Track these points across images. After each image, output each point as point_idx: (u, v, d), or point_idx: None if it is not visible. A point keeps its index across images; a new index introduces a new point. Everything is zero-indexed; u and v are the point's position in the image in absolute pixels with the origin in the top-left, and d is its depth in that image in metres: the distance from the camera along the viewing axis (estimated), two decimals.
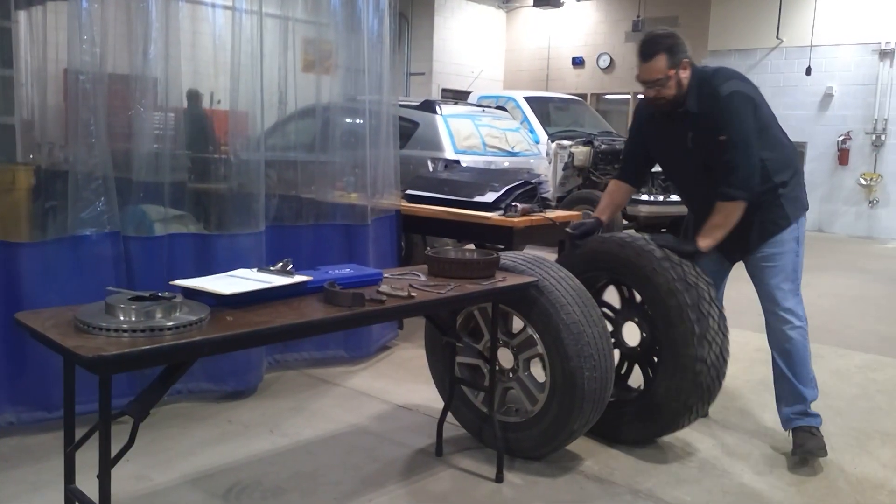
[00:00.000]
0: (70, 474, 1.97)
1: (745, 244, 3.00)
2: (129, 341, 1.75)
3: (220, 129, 3.67)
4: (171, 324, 1.83)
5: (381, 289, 2.36)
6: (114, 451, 1.78)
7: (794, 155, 3.10)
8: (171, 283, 2.19)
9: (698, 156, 2.94)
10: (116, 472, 1.80)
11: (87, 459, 1.85)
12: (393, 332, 4.43)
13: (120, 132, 3.24)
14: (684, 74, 2.89)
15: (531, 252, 3.09)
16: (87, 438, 1.91)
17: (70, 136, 3.06)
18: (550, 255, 3.41)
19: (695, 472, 2.87)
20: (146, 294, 1.94)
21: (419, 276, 2.63)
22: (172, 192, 3.28)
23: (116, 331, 1.78)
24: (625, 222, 8.26)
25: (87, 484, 1.87)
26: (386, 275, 2.62)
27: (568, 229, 3.18)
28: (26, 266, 2.85)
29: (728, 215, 2.86)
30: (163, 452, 2.86)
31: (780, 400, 3.05)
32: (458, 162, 5.97)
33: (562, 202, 8.11)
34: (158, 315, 1.86)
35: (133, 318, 1.83)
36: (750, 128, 2.86)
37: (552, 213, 4.35)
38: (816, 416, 3.00)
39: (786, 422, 3.04)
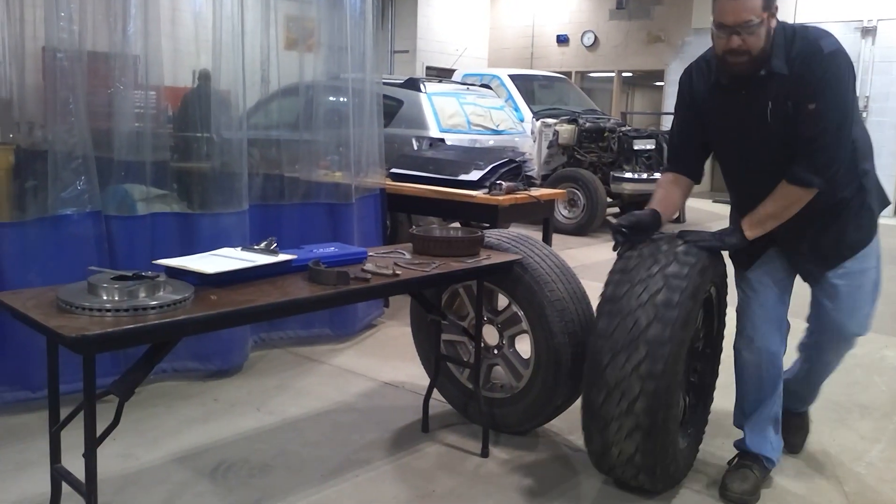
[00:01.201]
0: (56, 454, 1.97)
1: (825, 257, 2.46)
2: (113, 321, 1.74)
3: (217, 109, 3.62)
4: (154, 303, 1.83)
5: (365, 267, 2.36)
6: (99, 430, 1.78)
7: (871, 145, 2.52)
8: (154, 262, 2.19)
9: (776, 133, 2.31)
10: (102, 451, 1.81)
11: (73, 439, 1.85)
12: (378, 310, 4.44)
13: (100, 111, 3.20)
14: (773, 25, 2.27)
15: (516, 230, 3.10)
16: (73, 418, 1.91)
17: (49, 114, 3.02)
18: (535, 233, 3.42)
19: None
20: (129, 273, 1.93)
21: (404, 255, 2.64)
22: (155, 172, 3.26)
23: (100, 310, 1.77)
24: (608, 200, 8.29)
25: (73, 463, 1.88)
26: (371, 253, 2.62)
27: (616, 221, 2.54)
28: (6, 246, 2.82)
29: (790, 204, 2.32)
30: (149, 431, 2.86)
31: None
32: (442, 140, 5.95)
33: (546, 180, 8.12)
34: (142, 294, 1.86)
35: (116, 298, 1.82)
36: (850, 99, 2.30)
37: (537, 192, 4.37)
38: (774, 455, 2.61)
39: (741, 423, 2.67)
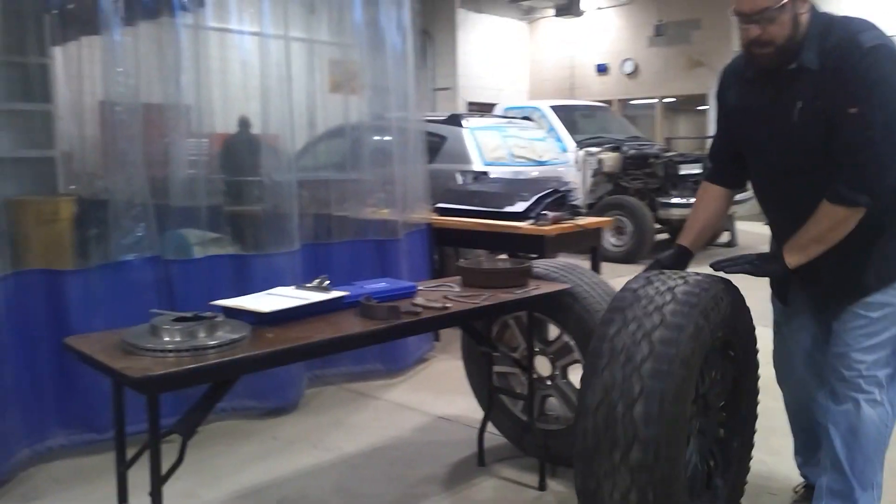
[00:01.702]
0: (123, 493, 2.02)
1: (852, 286, 2.10)
2: (175, 360, 1.80)
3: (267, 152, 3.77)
4: (214, 342, 1.88)
5: (416, 301, 2.39)
6: (164, 470, 1.82)
7: None
8: (211, 303, 2.24)
9: (805, 137, 2.03)
10: (167, 490, 1.85)
11: (138, 479, 1.90)
12: (429, 344, 4.45)
13: (156, 159, 3.33)
14: (803, 12, 2.01)
15: (564, 259, 3.10)
16: (139, 457, 1.95)
17: (108, 165, 3.16)
18: (583, 263, 3.41)
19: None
20: (189, 315, 1.99)
21: (453, 288, 2.66)
22: (209, 216, 3.36)
23: (162, 351, 1.83)
24: (656, 226, 8.20)
25: (139, 503, 1.92)
26: (420, 287, 2.65)
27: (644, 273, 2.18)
28: (72, 293, 2.94)
29: (835, 226, 2.00)
30: (211, 470, 2.91)
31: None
32: (486, 173, 5.99)
33: (592, 209, 8.08)
34: (201, 334, 1.91)
35: (178, 339, 1.88)
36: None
37: (583, 220, 4.36)
38: None
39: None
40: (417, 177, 4.29)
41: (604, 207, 8.11)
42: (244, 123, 3.83)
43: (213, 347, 1.87)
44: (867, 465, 2.10)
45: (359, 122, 4.12)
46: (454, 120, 6.50)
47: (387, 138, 4.18)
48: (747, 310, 2.25)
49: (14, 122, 3.60)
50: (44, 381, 2.91)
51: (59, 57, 3.80)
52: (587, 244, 4.57)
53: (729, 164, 2.36)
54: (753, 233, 10.13)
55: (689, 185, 8.14)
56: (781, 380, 2.48)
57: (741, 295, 2.18)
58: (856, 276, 2.09)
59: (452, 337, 4.41)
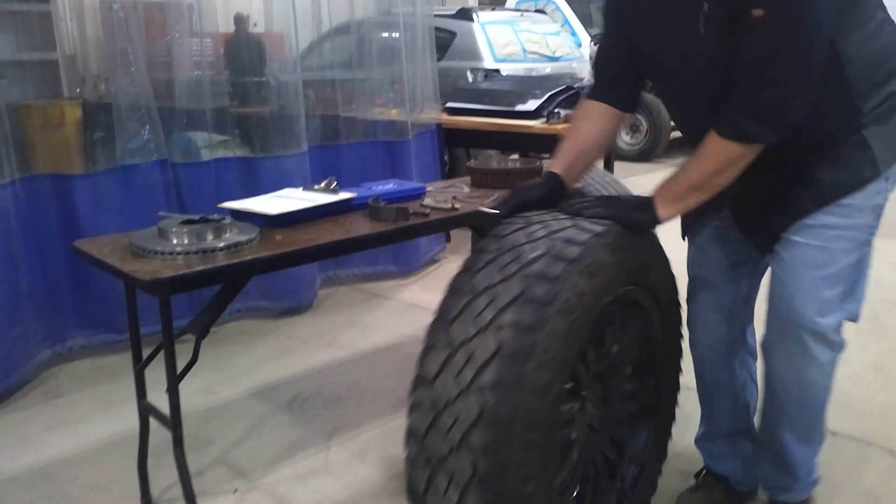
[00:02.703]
0: (141, 391, 2.09)
1: (789, 210, 1.66)
2: (184, 263, 1.81)
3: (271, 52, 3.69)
4: (222, 244, 1.89)
5: (424, 202, 2.38)
6: (179, 368, 1.87)
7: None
8: (219, 205, 2.24)
9: (716, 53, 1.53)
10: (185, 388, 1.91)
11: (157, 376, 1.95)
12: (440, 245, 4.48)
13: (159, 60, 3.26)
14: None
15: None
16: (154, 357, 2.01)
17: (111, 67, 3.10)
18: (596, 162, 3.35)
19: None
20: (196, 217, 1.99)
21: (463, 189, 2.64)
22: (215, 118, 3.32)
23: (171, 253, 1.84)
24: (672, 124, 8.05)
25: (159, 399, 1.98)
26: (429, 188, 2.63)
27: (485, 207, 1.90)
28: (81, 197, 2.95)
29: (723, 168, 1.54)
30: (227, 368, 3.00)
31: (761, 459, 1.91)
32: (498, 71, 5.85)
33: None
34: (210, 237, 1.92)
35: (186, 241, 1.89)
36: (825, 4, 1.43)
37: None
38: (810, 486, 1.89)
39: (765, 485, 1.97)
40: (426, 75, 4.19)
41: None
42: (240, 21, 3.71)
43: (221, 249, 1.88)
44: (815, 422, 1.78)
45: (365, 18, 3.99)
46: (464, 14, 6.28)
47: (394, 35, 4.06)
48: (662, 254, 1.74)
49: (15, 24, 3.52)
50: (60, 284, 2.97)
51: None
52: None
53: (618, 80, 1.84)
54: None
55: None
56: (693, 342, 1.96)
57: (654, 236, 1.72)
58: (790, 200, 1.66)
59: (463, 238, 4.43)
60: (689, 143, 1.75)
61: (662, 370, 1.86)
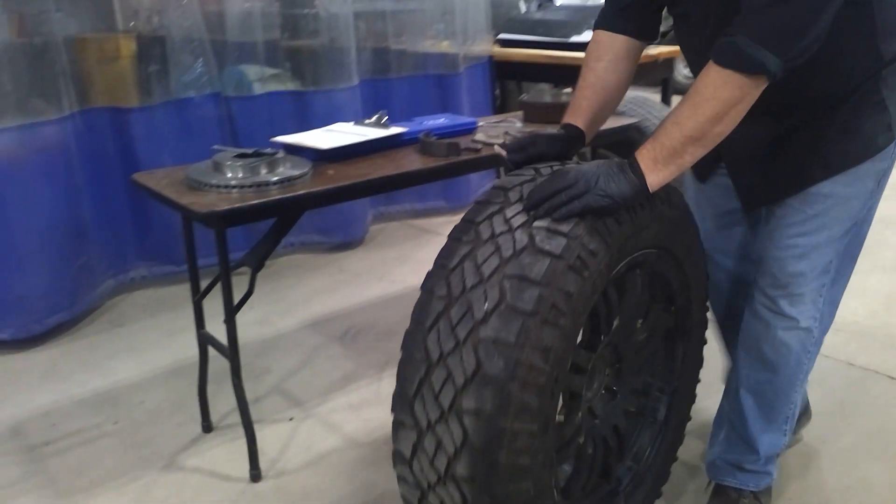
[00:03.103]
0: (200, 321, 2.15)
1: (794, 177, 1.50)
2: (239, 196, 1.83)
3: None
4: (275, 178, 1.90)
5: (476, 137, 2.35)
6: (236, 300, 1.92)
7: None
8: (272, 139, 2.25)
9: None
10: (242, 318, 1.96)
11: (216, 307, 2.01)
12: (491, 181, 4.44)
13: None
14: None
15: (633, 92, 2.96)
16: (211, 288, 2.06)
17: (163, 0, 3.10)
18: (653, 95, 3.26)
19: None
20: (250, 151, 2.01)
21: (515, 123, 2.59)
22: (267, 51, 3.31)
23: (226, 187, 1.86)
24: None
25: (217, 329, 2.04)
26: (481, 123, 2.59)
27: (499, 146, 1.63)
28: (137, 130, 3.00)
29: (722, 111, 1.26)
30: (282, 300, 3.06)
31: (719, 428, 1.79)
32: (552, 0, 5.66)
33: (665, 38, 7.63)
34: (263, 171, 1.94)
35: (240, 175, 1.91)
36: None
37: (654, 50, 4.12)
38: (767, 473, 1.77)
39: (711, 466, 1.82)
40: (478, 5, 4.08)
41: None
42: None
43: (274, 184, 1.89)
44: (781, 400, 1.67)
45: None
46: None
47: None
48: (689, 218, 1.53)
49: None
50: (121, 216, 3.05)
51: None
52: (658, 76, 4.35)
53: (634, 13, 1.60)
54: None
55: None
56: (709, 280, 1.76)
57: (679, 194, 1.49)
58: (797, 165, 1.50)
59: None
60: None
61: (682, 349, 1.69)
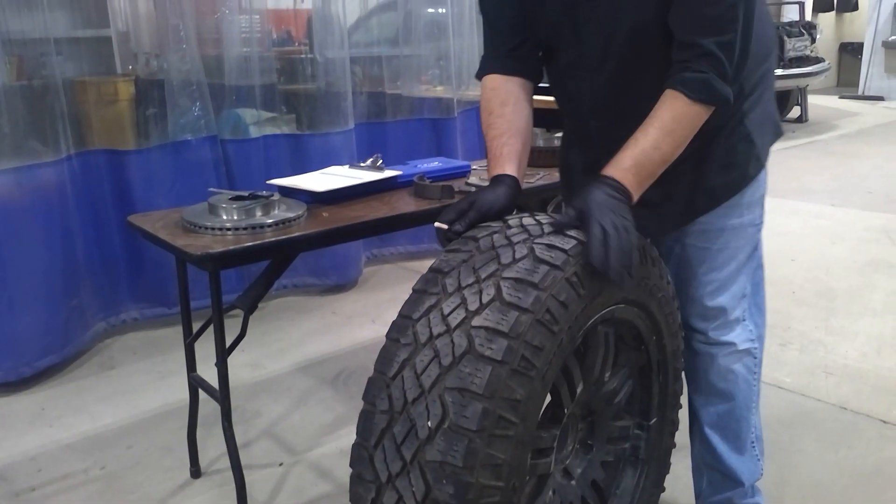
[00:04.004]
0: (191, 363, 2.13)
1: (679, 212, 1.56)
2: (234, 238, 1.83)
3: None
4: (270, 221, 1.91)
5: (469, 180, 2.36)
6: (228, 342, 1.91)
7: (773, 40, 1.64)
8: (268, 182, 2.27)
9: (636, 9, 1.37)
10: (233, 361, 1.94)
11: (207, 350, 1.99)
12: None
13: (209, 37, 3.30)
14: None
15: None
16: (204, 330, 2.05)
17: (162, 44, 3.14)
18: None
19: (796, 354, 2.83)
20: (246, 194, 2.02)
21: None
22: (264, 95, 3.35)
23: (221, 229, 1.87)
24: None
25: (208, 372, 2.03)
26: (474, 166, 2.61)
27: (439, 223, 1.48)
28: (134, 172, 3.01)
29: (688, 136, 1.36)
30: (274, 343, 3.05)
31: (700, 475, 1.80)
32: None
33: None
34: (259, 213, 1.94)
35: (235, 217, 1.92)
36: None
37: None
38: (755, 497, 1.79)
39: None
40: (473, 51, 4.15)
41: None
42: None
43: (270, 226, 1.90)
44: (744, 424, 1.69)
45: None
46: None
47: (441, 10, 4.03)
48: (658, 262, 1.48)
49: (70, 2, 3.58)
50: (115, 257, 3.04)
51: None
52: None
53: (522, 52, 1.56)
54: (829, 107, 9.55)
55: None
56: None
57: (649, 245, 1.45)
58: (683, 197, 1.54)
59: None
60: (577, 123, 1.64)
61: (658, 395, 1.62)
